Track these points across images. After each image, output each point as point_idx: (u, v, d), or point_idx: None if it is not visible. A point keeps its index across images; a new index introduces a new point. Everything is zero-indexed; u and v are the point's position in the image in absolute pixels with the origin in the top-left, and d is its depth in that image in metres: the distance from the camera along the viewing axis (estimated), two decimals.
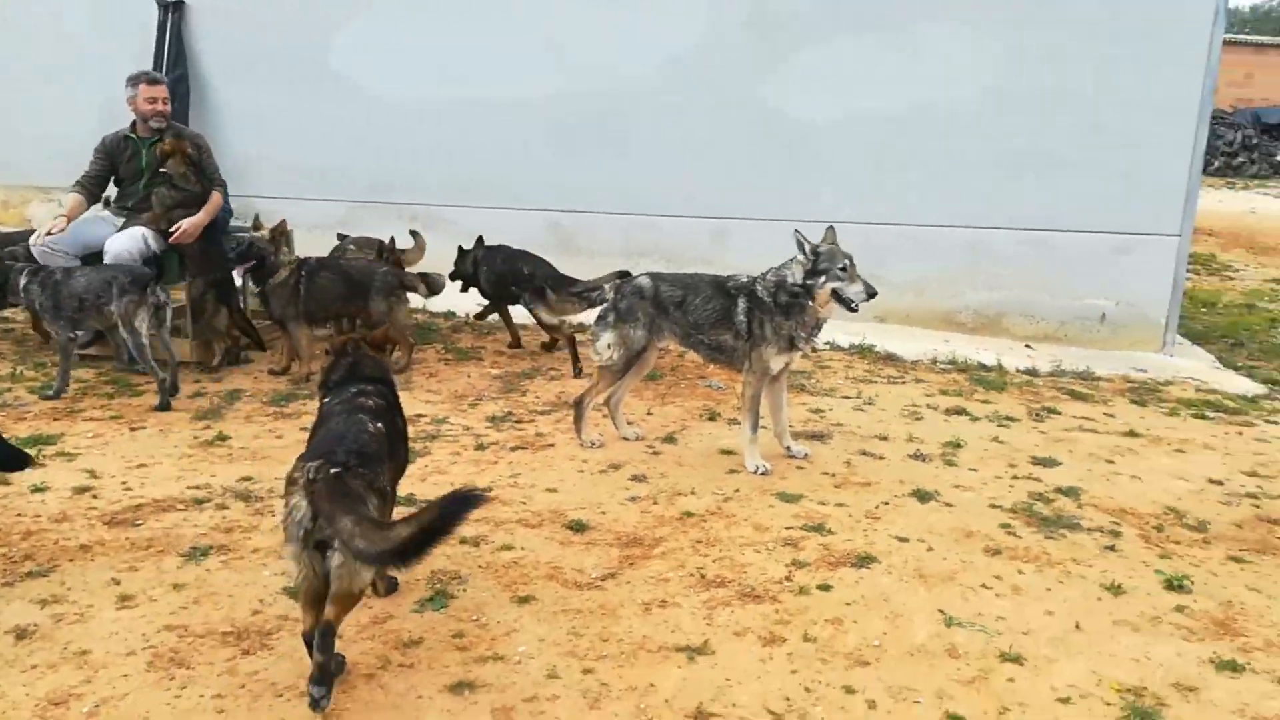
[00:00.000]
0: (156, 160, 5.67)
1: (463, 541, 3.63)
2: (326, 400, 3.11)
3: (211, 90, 8.67)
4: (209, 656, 2.82)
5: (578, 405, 4.75)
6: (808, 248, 4.40)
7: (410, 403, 5.14)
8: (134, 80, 5.84)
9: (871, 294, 4.36)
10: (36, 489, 3.92)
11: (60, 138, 8.80)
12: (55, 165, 9.00)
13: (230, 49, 8.58)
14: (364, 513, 2.47)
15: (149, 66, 8.32)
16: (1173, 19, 6.94)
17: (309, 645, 2.53)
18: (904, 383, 6.20)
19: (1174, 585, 3.54)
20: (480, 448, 4.64)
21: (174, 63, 8.47)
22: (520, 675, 2.83)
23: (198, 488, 4.03)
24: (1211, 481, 4.64)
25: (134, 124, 5.87)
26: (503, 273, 6.43)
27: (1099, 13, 7.03)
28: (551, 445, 4.74)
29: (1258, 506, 4.38)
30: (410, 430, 4.61)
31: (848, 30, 7.51)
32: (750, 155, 7.75)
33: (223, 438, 4.65)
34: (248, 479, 4.14)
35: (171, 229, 5.55)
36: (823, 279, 4.36)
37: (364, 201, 8.40)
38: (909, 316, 7.67)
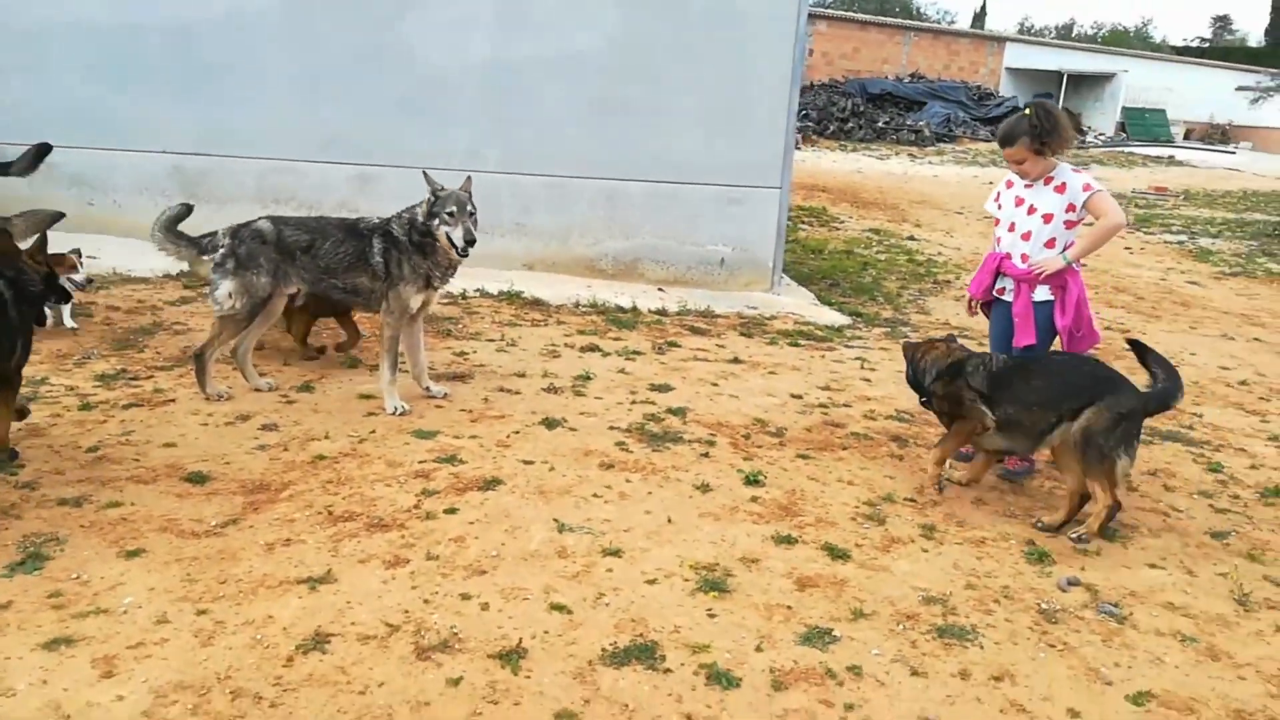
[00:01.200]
0: None
1: (61, 503, 3.41)
2: None
3: None
4: None
5: (198, 358, 4.55)
6: (430, 189, 4.52)
7: None
8: None
9: (469, 240, 4.44)
10: None
11: None
12: None
13: None
14: None
15: None
16: None
17: None
18: (547, 325, 6.57)
19: (751, 480, 4.17)
20: (86, 407, 4.31)
21: None
22: (126, 625, 2.76)
23: None
24: (793, 396, 5.45)
25: None
26: None
27: None
28: (173, 400, 4.52)
29: (826, 414, 5.22)
30: None
31: None
32: (392, 100, 7.68)
33: None
34: None
35: None
36: (436, 220, 4.50)
37: None
38: (555, 264, 8.08)
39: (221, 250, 4.46)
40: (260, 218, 4.62)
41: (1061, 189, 4.27)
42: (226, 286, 4.43)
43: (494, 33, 7.68)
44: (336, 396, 4.81)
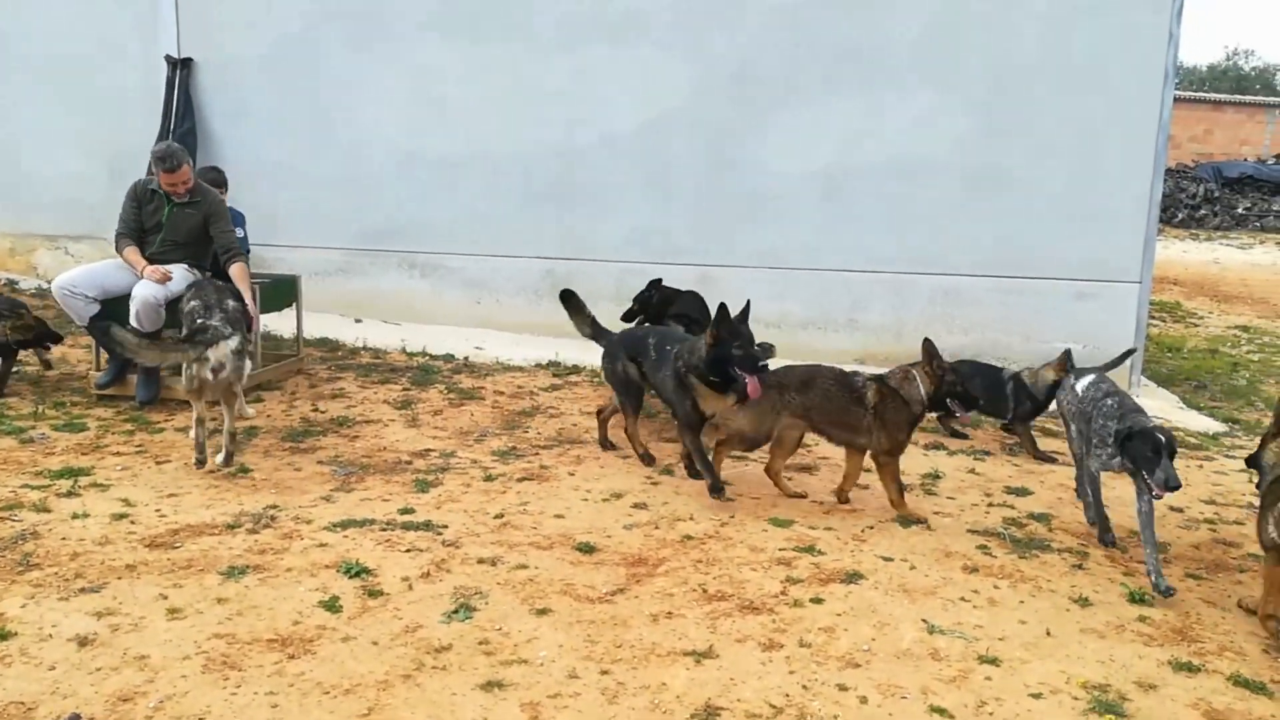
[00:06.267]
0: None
1: (480, 561, 3.90)
2: None
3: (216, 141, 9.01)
4: (258, 660, 3.07)
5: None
6: None
7: (418, 438, 5.49)
8: (154, 165, 5.92)
9: None
10: (76, 516, 4.15)
11: (68, 189, 9.11)
12: (61, 215, 9.32)
13: (236, 101, 8.93)
14: None
15: (159, 119, 8.69)
16: (1125, 81, 7.47)
17: None
18: None
19: (1136, 598, 3.86)
20: (489, 479, 4.91)
21: (183, 116, 8.83)
22: (544, 676, 3.09)
23: (228, 515, 4.28)
24: (1173, 509, 4.98)
25: None
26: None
27: (1056, 76, 7.57)
28: (556, 477, 5.02)
29: (1214, 530, 4.72)
30: (421, 464, 4.95)
31: (822, 90, 8.03)
32: (732, 207, 8.20)
33: (245, 470, 4.89)
34: (273, 507, 4.39)
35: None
36: None
37: (359, 249, 8.71)
38: (888, 359, 8.01)
39: None
40: None
41: None
42: None
43: (836, 143, 8.01)
44: (695, 481, 5.08)
